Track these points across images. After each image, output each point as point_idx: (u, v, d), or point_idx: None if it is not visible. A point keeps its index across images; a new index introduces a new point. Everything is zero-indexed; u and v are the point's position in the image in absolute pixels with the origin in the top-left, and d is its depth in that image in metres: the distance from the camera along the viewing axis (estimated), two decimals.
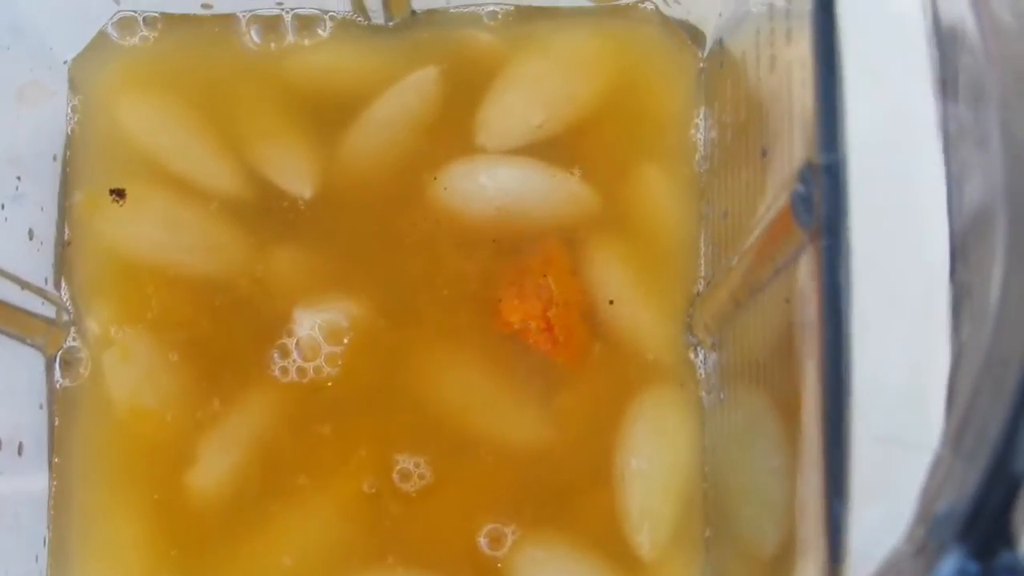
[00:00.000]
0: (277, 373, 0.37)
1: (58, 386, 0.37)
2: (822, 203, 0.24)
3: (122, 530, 0.37)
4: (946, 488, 0.22)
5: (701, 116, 0.38)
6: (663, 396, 0.37)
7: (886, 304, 0.24)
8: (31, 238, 0.37)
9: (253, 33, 0.39)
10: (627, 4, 0.39)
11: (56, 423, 0.37)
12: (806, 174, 0.25)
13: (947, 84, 0.25)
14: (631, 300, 0.37)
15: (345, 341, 0.37)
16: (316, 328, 0.37)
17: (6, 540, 0.35)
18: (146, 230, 0.38)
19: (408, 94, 0.39)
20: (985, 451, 0.22)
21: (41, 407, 0.37)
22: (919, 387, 0.24)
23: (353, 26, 0.39)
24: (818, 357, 0.24)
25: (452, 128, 0.38)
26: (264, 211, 0.38)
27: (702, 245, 0.38)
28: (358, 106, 0.39)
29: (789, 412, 0.27)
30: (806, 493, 0.25)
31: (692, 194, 0.38)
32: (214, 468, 0.37)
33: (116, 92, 0.39)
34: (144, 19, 0.39)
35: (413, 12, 0.39)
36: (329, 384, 0.37)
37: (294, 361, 0.37)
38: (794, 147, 0.27)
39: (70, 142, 0.39)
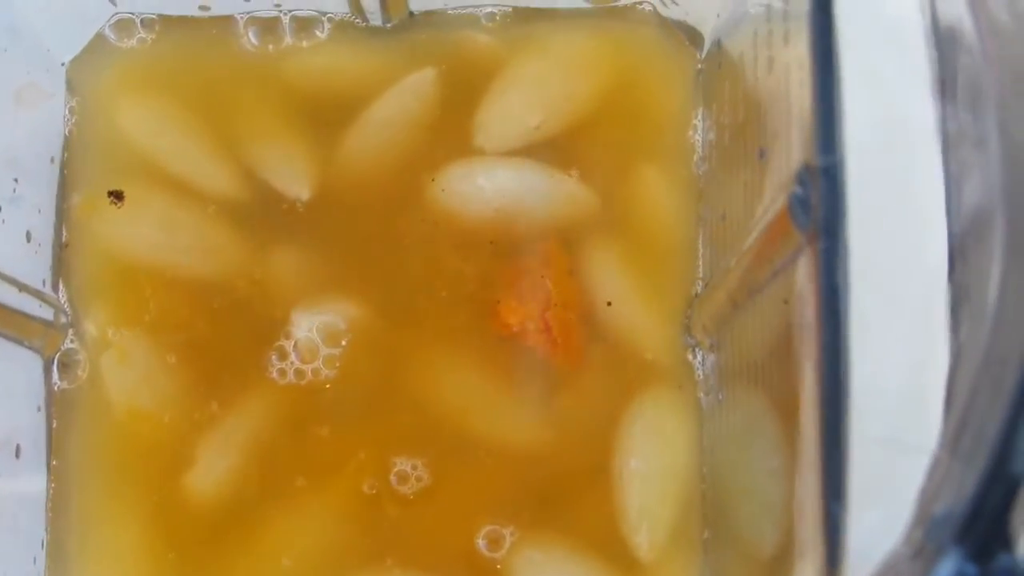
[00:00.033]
0: (275, 375, 0.37)
1: (56, 388, 0.37)
2: (820, 205, 0.24)
3: (120, 532, 0.37)
4: (944, 490, 0.22)
5: (699, 117, 0.38)
6: (661, 397, 0.37)
7: (884, 305, 0.24)
8: (29, 240, 0.37)
9: (251, 35, 0.39)
10: (625, 5, 0.39)
11: (54, 425, 0.37)
12: (804, 176, 0.25)
13: (945, 85, 0.25)
14: (629, 301, 0.37)
15: (343, 343, 0.37)
16: (314, 330, 0.37)
17: (4, 542, 0.35)
18: (144, 232, 0.38)
19: (406, 96, 0.39)
20: (983, 452, 0.22)
21: (39, 409, 0.37)
22: (917, 388, 0.24)
23: (351, 28, 0.39)
24: (816, 358, 0.24)
25: (450, 129, 0.38)
26: (262, 213, 0.38)
27: (700, 246, 0.37)
28: (356, 108, 0.39)
29: (787, 413, 0.27)
30: (804, 494, 0.25)
31: (690, 195, 0.38)
32: (212, 470, 0.37)
33: (114, 94, 0.39)
34: (142, 21, 0.39)
35: (411, 13, 0.39)
36: (327, 386, 0.37)
37: (292, 363, 0.37)
38: (792, 149, 0.27)
39: (68, 144, 0.39)
